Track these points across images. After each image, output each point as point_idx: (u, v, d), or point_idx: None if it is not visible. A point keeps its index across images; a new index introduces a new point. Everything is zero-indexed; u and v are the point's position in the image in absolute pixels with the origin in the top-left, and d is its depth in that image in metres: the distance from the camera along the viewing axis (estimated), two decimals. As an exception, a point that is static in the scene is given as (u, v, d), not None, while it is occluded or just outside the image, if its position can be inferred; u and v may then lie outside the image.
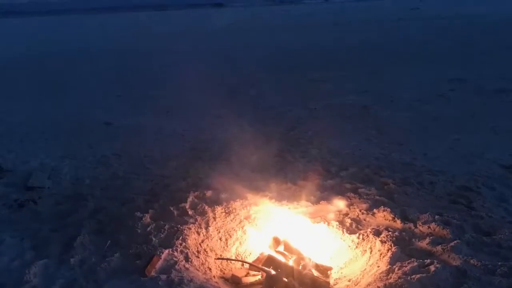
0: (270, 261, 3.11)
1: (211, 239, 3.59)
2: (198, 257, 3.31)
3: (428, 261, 3.02)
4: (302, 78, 9.69)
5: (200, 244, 3.49)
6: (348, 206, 4.10)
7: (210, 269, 3.23)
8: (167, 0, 41.00)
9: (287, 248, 3.30)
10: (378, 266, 3.13)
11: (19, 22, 25.80)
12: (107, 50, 14.26)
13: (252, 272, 3.23)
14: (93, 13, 30.95)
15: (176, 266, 3.08)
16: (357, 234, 3.57)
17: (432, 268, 2.91)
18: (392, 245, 3.29)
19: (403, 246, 3.29)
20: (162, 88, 9.17)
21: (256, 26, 19.63)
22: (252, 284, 3.12)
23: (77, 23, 24.40)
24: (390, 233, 3.51)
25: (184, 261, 3.19)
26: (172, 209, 4.07)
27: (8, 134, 6.62)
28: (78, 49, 14.25)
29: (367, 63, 11.19)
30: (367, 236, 3.52)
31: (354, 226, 3.74)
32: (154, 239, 3.50)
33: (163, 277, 2.93)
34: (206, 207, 4.05)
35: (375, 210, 3.96)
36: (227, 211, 3.99)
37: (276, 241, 3.35)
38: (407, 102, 7.67)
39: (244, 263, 3.35)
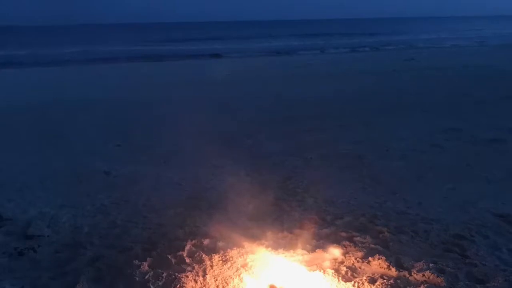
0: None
1: (209, 287, 3.67)
2: (196, 305, 3.38)
3: (421, 307, 3.11)
4: (298, 128, 9.91)
5: (197, 292, 3.58)
6: (344, 254, 4.21)
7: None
8: (165, 51, 42.23)
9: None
10: (373, 313, 3.21)
11: (19, 72, 26.34)
12: (106, 100, 14.55)
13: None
14: (92, 63, 31.57)
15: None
16: (353, 282, 3.67)
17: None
18: (387, 293, 3.39)
19: (397, 294, 3.38)
20: (160, 137, 9.36)
21: (253, 77, 20.08)
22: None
23: (76, 73, 24.92)
24: (385, 281, 3.61)
25: (181, 308, 3.27)
26: (169, 257, 4.17)
27: (7, 183, 6.73)
28: (78, 99, 14.52)
29: (362, 113, 11.46)
30: (363, 284, 3.62)
31: (349, 274, 3.83)
32: (152, 287, 3.59)
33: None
34: (204, 255, 4.15)
35: (370, 258, 4.07)
36: (224, 259, 4.09)
37: (273, 289, 3.44)
38: (402, 151, 7.86)
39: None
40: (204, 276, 3.84)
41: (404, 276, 3.78)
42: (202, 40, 62.51)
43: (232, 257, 4.12)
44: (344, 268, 3.93)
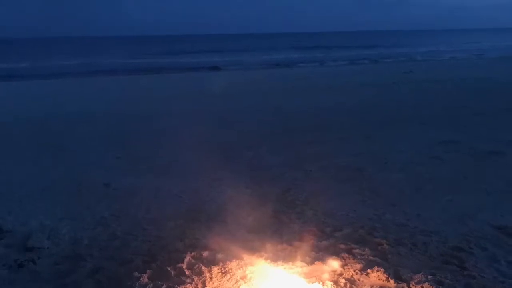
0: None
1: (208, 299, 3.69)
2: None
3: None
4: (297, 140, 9.95)
5: (197, 304, 3.59)
6: (343, 266, 4.23)
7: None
8: (165, 64, 42.55)
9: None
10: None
11: (20, 85, 26.47)
12: (107, 112, 14.62)
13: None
14: (93, 76, 31.76)
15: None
16: (351, 294, 3.69)
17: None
18: (385, 304, 3.41)
19: (395, 305, 3.40)
20: (160, 149, 9.41)
21: (252, 89, 20.18)
22: None
23: (77, 86, 25.04)
24: (383, 292, 3.63)
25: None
26: (169, 269, 4.20)
27: (8, 194, 6.75)
28: (78, 112, 14.59)
29: (362, 126, 11.52)
30: (361, 295, 3.64)
31: (348, 286, 3.86)
32: (151, 298, 3.61)
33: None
34: (203, 267, 4.18)
35: (369, 270, 4.10)
36: (223, 271, 4.11)
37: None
38: (401, 163, 7.89)
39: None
40: None
41: (403, 288, 3.80)
42: (202, 52, 62.89)
43: (231, 269, 4.14)
44: (343, 280, 3.95)
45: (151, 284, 3.89)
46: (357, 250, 4.57)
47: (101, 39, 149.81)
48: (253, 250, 4.54)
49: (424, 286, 3.79)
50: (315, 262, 4.29)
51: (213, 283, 3.93)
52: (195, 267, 4.20)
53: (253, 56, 54.58)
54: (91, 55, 56.51)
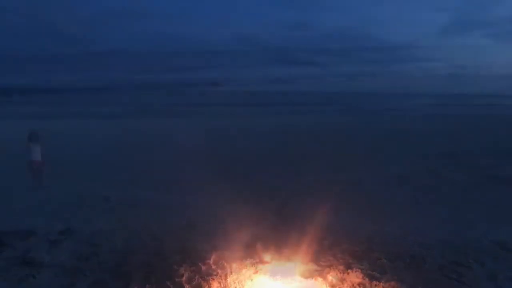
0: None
1: (207, 313, 3.71)
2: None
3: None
4: (289, 169, 9.91)
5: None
6: (341, 280, 4.24)
7: None
8: (167, 79, 43.00)
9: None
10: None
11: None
12: (111, 129, 14.72)
13: None
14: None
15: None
16: (349, 308, 3.70)
17: None
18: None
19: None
20: (161, 165, 9.45)
21: (251, 104, 20.29)
22: None
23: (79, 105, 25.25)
24: (381, 306, 3.65)
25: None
26: (200, 264, 4.30)
27: (74, 203, 6.93)
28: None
29: (340, 160, 11.43)
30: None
31: (347, 301, 3.86)
32: (151, 312, 3.61)
33: None
34: (201, 281, 4.18)
35: (367, 285, 4.11)
36: (222, 284, 4.12)
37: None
38: (398, 178, 7.93)
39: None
40: (226, 279, 4.00)
41: (401, 302, 3.82)
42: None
43: (246, 265, 4.18)
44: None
45: (187, 275, 3.97)
46: (356, 265, 4.59)
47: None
48: (252, 264, 4.54)
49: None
50: (314, 277, 4.31)
51: (233, 275, 4.02)
52: (193, 281, 4.19)
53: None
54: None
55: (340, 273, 4.39)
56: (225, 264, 4.51)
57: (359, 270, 4.44)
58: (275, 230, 5.65)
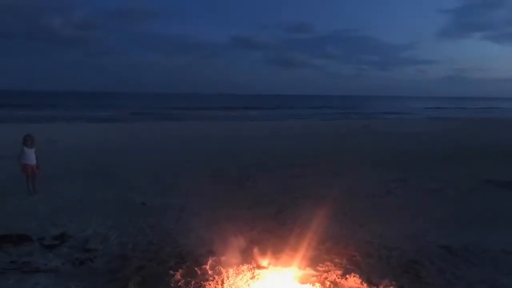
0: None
1: (226, 293, 3.68)
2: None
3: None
4: (285, 175, 9.95)
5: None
6: (327, 272, 4.24)
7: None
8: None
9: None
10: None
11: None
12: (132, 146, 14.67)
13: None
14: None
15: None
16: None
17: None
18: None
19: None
20: (182, 177, 9.43)
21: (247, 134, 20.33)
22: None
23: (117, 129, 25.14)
24: (359, 293, 3.64)
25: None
26: (196, 269, 4.19)
27: (69, 208, 6.72)
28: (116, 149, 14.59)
29: (334, 165, 11.56)
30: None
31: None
32: (184, 291, 3.58)
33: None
34: (221, 269, 4.16)
35: (347, 276, 4.11)
36: (237, 272, 4.11)
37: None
38: (365, 195, 7.96)
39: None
40: (222, 284, 3.87)
41: (374, 290, 3.83)
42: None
43: (243, 270, 4.14)
44: (328, 283, 3.96)
45: (183, 280, 3.89)
46: (337, 260, 4.57)
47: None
48: (259, 256, 4.52)
49: (389, 289, 3.82)
50: (306, 268, 4.29)
51: (229, 281, 3.93)
52: (215, 268, 4.18)
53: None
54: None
55: (327, 266, 4.38)
56: (239, 256, 4.49)
57: (341, 264, 4.43)
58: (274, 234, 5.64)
